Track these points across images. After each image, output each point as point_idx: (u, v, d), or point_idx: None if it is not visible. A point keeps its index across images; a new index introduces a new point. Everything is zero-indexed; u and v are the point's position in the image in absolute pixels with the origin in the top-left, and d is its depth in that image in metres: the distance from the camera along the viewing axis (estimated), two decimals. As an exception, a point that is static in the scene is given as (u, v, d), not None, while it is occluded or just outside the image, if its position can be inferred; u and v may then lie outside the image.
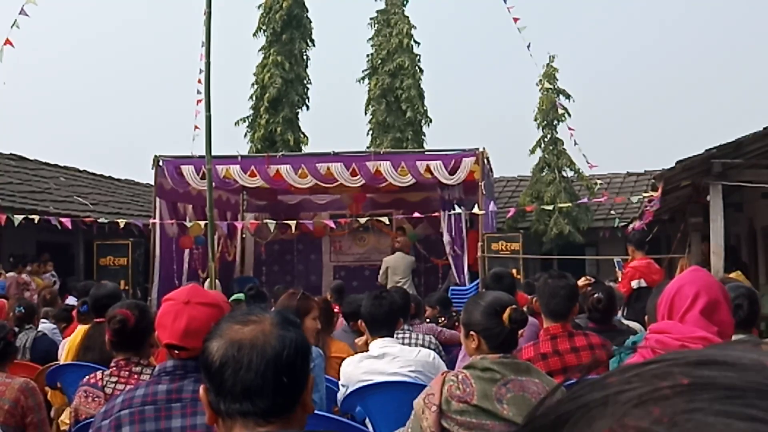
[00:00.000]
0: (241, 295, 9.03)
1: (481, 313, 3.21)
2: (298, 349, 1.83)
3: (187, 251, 16.02)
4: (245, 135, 22.07)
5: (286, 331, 1.83)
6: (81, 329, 6.09)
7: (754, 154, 11.53)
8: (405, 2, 22.97)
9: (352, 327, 6.18)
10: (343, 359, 4.80)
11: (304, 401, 1.84)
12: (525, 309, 4.83)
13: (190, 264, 16.11)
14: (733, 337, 4.59)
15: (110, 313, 3.78)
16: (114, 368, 3.58)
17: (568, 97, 19.61)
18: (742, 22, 45.93)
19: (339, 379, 4.74)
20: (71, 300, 10.95)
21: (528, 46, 14.98)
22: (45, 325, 7.25)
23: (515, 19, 14.48)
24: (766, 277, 13.15)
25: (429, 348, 5.83)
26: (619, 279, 9.62)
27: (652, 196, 12.40)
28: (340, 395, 4.63)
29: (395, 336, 5.05)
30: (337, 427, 3.84)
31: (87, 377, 3.51)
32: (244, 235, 18.21)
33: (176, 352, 2.77)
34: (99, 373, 3.51)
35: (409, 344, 5.77)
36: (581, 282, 6.25)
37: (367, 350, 4.71)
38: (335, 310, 6.38)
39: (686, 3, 46.84)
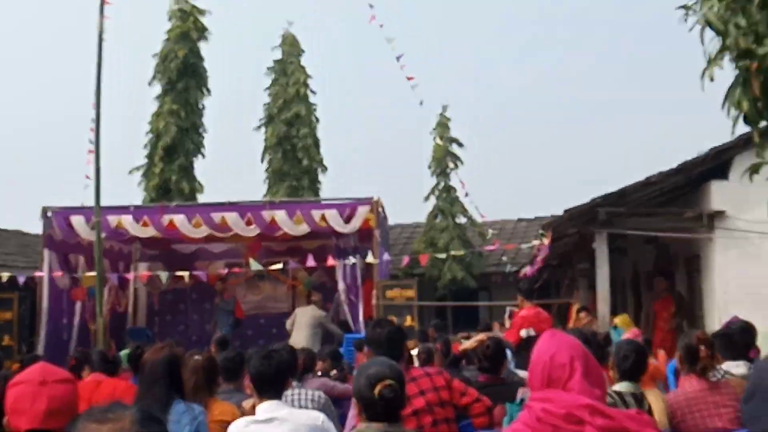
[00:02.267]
0: (126, 352, 8.73)
1: (361, 385, 3.23)
2: None
3: (78, 303, 15.55)
4: (139, 184, 21.67)
5: (147, 428, 1.74)
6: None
7: (636, 202, 12.02)
8: (301, 52, 23.13)
9: (234, 386, 6.00)
10: (228, 423, 4.68)
11: None
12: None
13: (81, 316, 15.63)
14: (618, 386, 4.83)
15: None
16: None
17: (460, 145, 20.04)
18: (626, 70, 47.86)
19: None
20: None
21: (420, 103, 15.30)
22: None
23: (409, 78, 14.82)
24: (646, 318, 13.60)
25: (319, 402, 5.82)
26: (508, 327, 9.80)
27: (541, 244, 12.72)
28: (225, 462, 4.54)
29: (284, 395, 4.99)
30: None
31: None
32: (136, 286, 17.81)
33: None
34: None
35: (299, 401, 5.73)
36: (475, 339, 6.42)
37: (254, 414, 4.63)
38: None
39: (571, 49, 48.58)
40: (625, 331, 10.70)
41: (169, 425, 4.30)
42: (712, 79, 4.43)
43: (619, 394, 4.72)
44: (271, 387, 4.57)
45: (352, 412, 4.71)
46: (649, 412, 4.61)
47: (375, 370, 3.25)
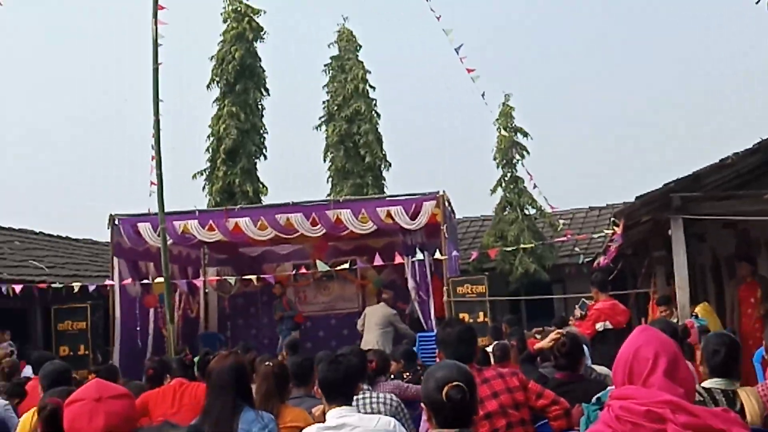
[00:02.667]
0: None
1: (429, 388, 3.09)
2: None
3: (151, 310, 15.68)
4: (203, 188, 21.77)
5: None
6: (33, 410, 5.81)
7: (712, 186, 11.56)
8: (358, 48, 22.98)
9: (304, 391, 5.87)
10: (300, 429, 4.57)
11: None
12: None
13: (155, 323, 15.75)
14: (708, 382, 4.53)
15: (41, 402, 3.57)
16: None
17: (525, 135, 19.66)
18: (699, 58, 46.73)
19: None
20: (28, 370, 10.57)
21: (482, 95, 14.99)
22: (-2, 402, 6.92)
23: (469, 70, 14.50)
24: (731, 306, 13.10)
25: (391, 406, 5.65)
26: (578, 317, 9.47)
27: (614, 232, 12.34)
28: (298, 469, 4.42)
29: (355, 399, 4.85)
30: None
31: None
32: (206, 290, 17.91)
33: None
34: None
35: (371, 404, 5.58)
36: (550, 338, 6.15)
37: (323, 421, 4.49)
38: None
39: (640, 36, 47.59)
40: (707, 320, 10.32)
41: None
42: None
43: (708, 391, 4.43)
44: (340, 392, 4.48)
45: (424, 417, 4.53)
46: (741, 410, 4.31)
47: (443, 373, 3.11)
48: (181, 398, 6.29)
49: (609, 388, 4.72)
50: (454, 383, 2.99)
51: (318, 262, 14.99)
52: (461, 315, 13.39)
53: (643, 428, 2.51)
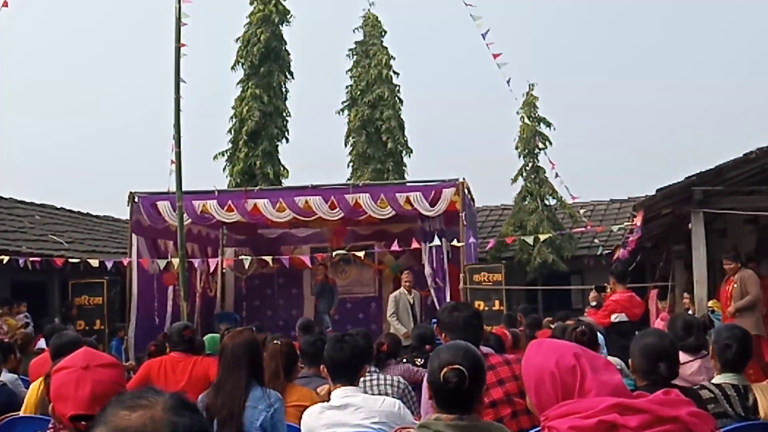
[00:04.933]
0: (215, 336, 8.70)
1: (433, 367, 3.00)
2: None
3: (170, 288, 15.73)
4: (224, 169, 21.85)
5: (180, 417, 1.59)
6: (40, 380, 5.84)
7: (734, 180, 11.42)
8: (383, 33, 22.91)
9: (314, 371, 5.85)
10: (306, 408, 4.55)
11: None
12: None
13: (174, 300, 15.79)
14: (719, 378, 4.41)
15: (50, 369, 3.57)
16: (51, 430, 3.31)
17: (548, 125, 19.55)
18: (726, 52, 46.26)
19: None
20: (42, 343, 10.65)
21: (508, 82, 14.81)
22: (6, 376, 6.96)
23: (495, 56, 14.31)
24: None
25: (398, 388, 5.61)
26: (593, 305, 9.40)
27: (633, 224, 12.23)
28: (301, 447, 4.40)
29: (362, 380, 4.83)
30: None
31: None
32: (224, 270, 17.98)
33: (83, 423, 2.57)
34: (37, 434, 3.31)
35: (378, 386, 5.54)
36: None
37: (329, 399, 4.48)
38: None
39: (664, 26, 47.13)
40: (721, 314, 10.24)
41: (246, 410, 4.34)
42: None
43: (719, 387, 4.30)
44: (345, 373, 4.49)
45: (425, 395, 4.50)
46: (755, 406, 4.19)
47: (447, 355, 3.01)
48: (180, 372, 6.23)
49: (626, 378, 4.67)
50: (454, 366, 2.90)
51: (336, 245, 14.91)
52: (477, 303, 13.35)
53: None
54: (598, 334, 6.94)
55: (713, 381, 4.42)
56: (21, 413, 5.61)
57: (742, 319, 9.56)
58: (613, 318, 8.84)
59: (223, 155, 21.91)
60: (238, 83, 22.10)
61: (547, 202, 19.48)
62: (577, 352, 2.60)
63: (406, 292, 13.45)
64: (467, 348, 3.10)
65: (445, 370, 2.90)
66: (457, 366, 2.88)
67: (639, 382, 4.08)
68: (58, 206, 20.91)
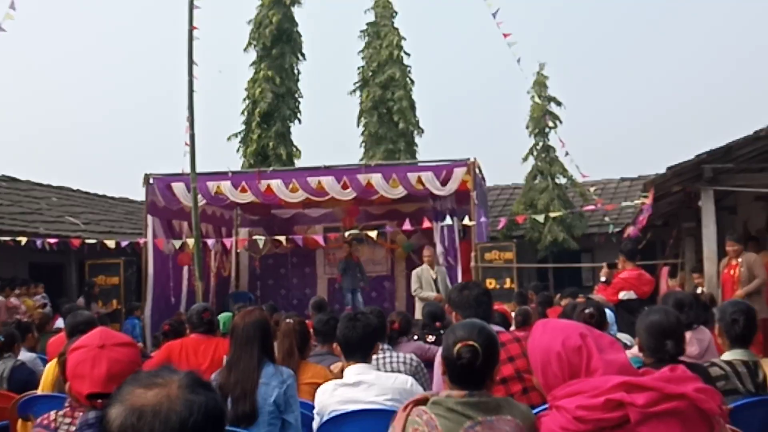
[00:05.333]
0: (229, 315, 8.85)
1: (448, 343, 3.02)
2: (207, 415, 1.64)
3: (186, 268, 15.89)
4: (238, 150, 21.99)
5: (195, 395, 1.65)
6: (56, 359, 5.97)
7: (745, 158, 11.44)
8: (394, 14, 22.90)
9: (327, 349, 5.96)
10: (320, 385, 4.66)
11: None
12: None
13: (189, 280, 15.96)
14: (728, 354, 4.42)
15: (63, 349, 3.65)
16: (68, 408, 3.21)
17: (559, 104, 19.56)
18: (735, 29, 45.93)
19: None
20: (60, 322, 10.82)
21: (518, 61, 14.81)
22: (25, 355, 7.12)
23: (505, 35, 14.31)
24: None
25: (411, 366, 5.70)
26: (604, 281, 9.44)
27: (643, 202, 12.29)
28: (315, 424, 4.51)
29: (374, 358, 4.93)
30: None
31: (40, 418, 3.34)
32: (238, 250, 18.14)
33: (99, 401, 2.62)
34: (53, 414, 3.33)
35: (390, 364, 5.64)
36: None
37: (342, 377, 4.58)
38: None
39: (671, 4, 46.82)
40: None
41: (260, 387, 4.38)
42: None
43: (729, 363, 4.30)
44: (358, 350, 4.55)
45: (437, 370, 4.61)
46: (764, 382, 4.24)
47: (462, 332, 3.04)
48: (202, 354, 6.28)
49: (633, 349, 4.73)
50: (468, 342, 2.94)
51: (349, 225, 14.97)
52: (488, 281, 13.45)
53: (606, 421, 2.47)
54: (608, 312, 7.02)
55: (723, 358, 4.42)
56: (38, 391, 5.72)
57: (751, 304, 9.54)
58: (622, 295, 8.91)
59: (237, 137, 22.04)
60: (250, 65, 22.20)
61: (557, 180, 19.51)
62: (582, 332, 2.66)
63: (429, 267, 13.45)
64: (482, 326, 3.13)
65: (459, 346, 2.93)
66: (471, 343, 2.93)
67: (646, 360, 4.09)
68: (75, 188, 21.10)
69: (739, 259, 10.55)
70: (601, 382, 2.52)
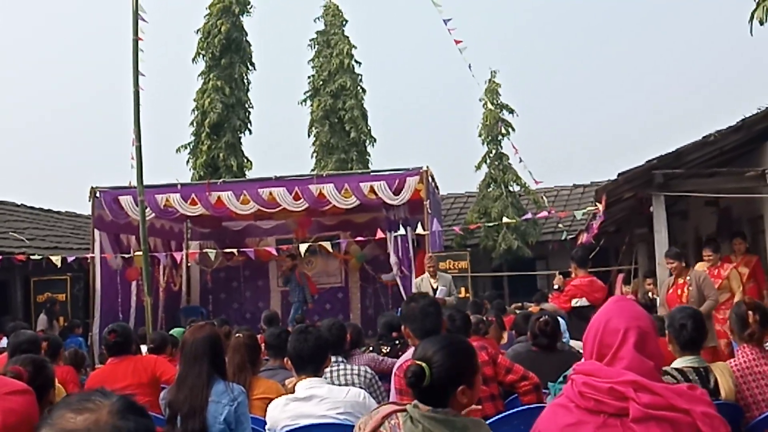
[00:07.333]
0: (182, 330, 8.66)
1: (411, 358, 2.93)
2: None
3: (134, 283, 15.59)
4: (187, 162, 21.66)
5: (125, 421, 1.57)
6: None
7: (695, 163, 11.52)
8: (344, 22, 22.81)
9: (280, 363, 5.80)
10: (272, 400, 4.53)
11: None
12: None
13: (138, 296, 15.67)
14: (678, 362, 4.37)
15: (3, 369, 3.50)
16: None
17: (511, 111, 19.63)
18: (676, 28, 46.68)
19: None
20: (4, 342, 10.49)
21: (470, 67, 14.78)
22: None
23: (457, 42, 14.29)
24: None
25: (365, 378, 5.58)
26: (557, 289, 9.41)
27: (596, 209, 12.32)
28: (266, 440, 4.38)
29: (327, 371, 4.81)
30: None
31: None
32: (189, 264, 17.85)
33: None
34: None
35: (345, 376, 5.51)
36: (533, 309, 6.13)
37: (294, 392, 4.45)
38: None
39: (617, 12, 47.52)
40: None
41: (210, 405, 4.27)
42: (762, 23, 4.06)
43: (680, 371, 4.25)
44: (309, 363, 4.45)
45: (393, 384, 4.51)
46: (716, 387, 4.21)
47: (420, 349, 2.90)
48: (121, 376, 6.03)
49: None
50: (417, 362, 2.79)
51: (301, 237, 14.85)
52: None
53: (607, 405, 2.46)
54: (560, 320, 6.97)
55: (674, 365, 4.37)
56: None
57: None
58: (574, 302, 8.90)
59: (186, 148, 21.73)
60: (199, 75, 21.90)
61: (511, 188, 19.57)
62: (631, 323, 2.58)
63: (429, 276, 13.26)
64: (446, 343, 2.90)
65: (408, 363, 2.85)
66: (417, 362, 2.79)
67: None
68: (19, 203, 20.62)
69: (687, 278, 9.14)
70: (616, 373, 2.51)
